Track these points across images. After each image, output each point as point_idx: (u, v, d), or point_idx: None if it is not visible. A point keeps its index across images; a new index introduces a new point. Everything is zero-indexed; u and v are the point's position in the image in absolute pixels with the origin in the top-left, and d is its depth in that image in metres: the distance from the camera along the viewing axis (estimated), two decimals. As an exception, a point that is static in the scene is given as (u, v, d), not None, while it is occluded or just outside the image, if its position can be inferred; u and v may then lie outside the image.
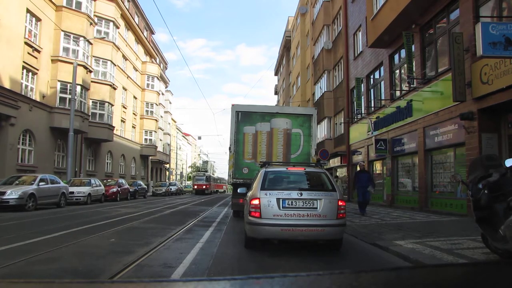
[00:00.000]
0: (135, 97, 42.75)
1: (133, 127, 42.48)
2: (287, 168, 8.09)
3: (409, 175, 17.04)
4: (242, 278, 1.27)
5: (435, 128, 14.09)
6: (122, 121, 38.47)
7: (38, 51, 23.02)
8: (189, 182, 68.80)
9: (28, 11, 21.88)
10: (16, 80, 20.95)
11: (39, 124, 23.17)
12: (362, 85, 21.39)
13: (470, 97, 11.38)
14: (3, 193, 15.02)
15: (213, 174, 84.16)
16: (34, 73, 22.94)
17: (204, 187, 50.43)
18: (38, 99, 23.11)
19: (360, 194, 14.05)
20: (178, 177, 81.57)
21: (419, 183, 15.33)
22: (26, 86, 22.39)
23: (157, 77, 47.48)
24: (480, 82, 10.98)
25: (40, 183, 16.78)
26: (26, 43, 21.70)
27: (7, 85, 19.95)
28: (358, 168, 15.72)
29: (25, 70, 22.04)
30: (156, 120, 47.75)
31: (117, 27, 33.22)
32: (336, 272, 1.27)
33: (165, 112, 58.52)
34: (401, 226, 10.13)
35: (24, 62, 21.63)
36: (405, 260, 6.28)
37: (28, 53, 22.00)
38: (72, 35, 25.22)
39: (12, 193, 15.14)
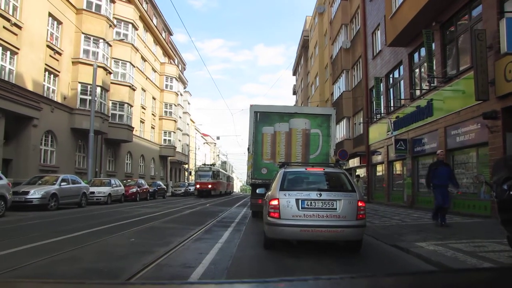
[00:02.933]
0: (154, 98, 43.15)
1: (152, 127, 42.88)
2: (306, 169, 8.04)
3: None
4: (260, 281, 1.26)
5: (456, 127, 13.84)
6: (141, 121, 38.87)
7: (60, 54, 23.43)
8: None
9: (50, 14, 22.29)
10: (38, 82, 21.36)
11: (60, 125, 23.57)
12: (381, 84, 21.16)
13: (494, 96, 11.13)
14: (27, 193, 15.33)
15: (229, 171, 75.36)
16: (55, 75, 23.35)
17: (210, 186, 38.07)
18: (59, 101, 23.51)
19: (439, 196, 10.16)
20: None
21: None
22: (48, 88, 22.80)
23: (175, 78, 47.82)
24: (504, 80, 10.73)
25: (62, 183, 17.07)
26: (48, 46, 22.10)
27: (30, 87, 20.36)
28: (435, 159, 11.68)
29: (47, 72, 22.45)
30: (175, 120, 48.10)
31: (136, 29, 33.57)
32: (358, 275, 1.25)
33: (184, 112, 58.90)
34: (422, 228, 9.97)
35: (46, 64, 22.04)
36: (426, 263, 6.17)
37: (50, 55, 22.40)
38: (92, 37, 25.59)
39: (35, 193, 15.44)
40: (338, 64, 29.97)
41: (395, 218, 12.90)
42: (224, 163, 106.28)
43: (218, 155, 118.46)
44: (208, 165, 44.54)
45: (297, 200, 6.61)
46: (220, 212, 17.00)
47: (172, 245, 7.49)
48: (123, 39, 29.94)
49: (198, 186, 38.40)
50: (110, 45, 27.92)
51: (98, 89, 25.62)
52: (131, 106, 32.73)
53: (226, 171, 63.24)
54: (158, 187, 32.28)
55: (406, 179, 18.50)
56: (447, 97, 14.28)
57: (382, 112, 21.11)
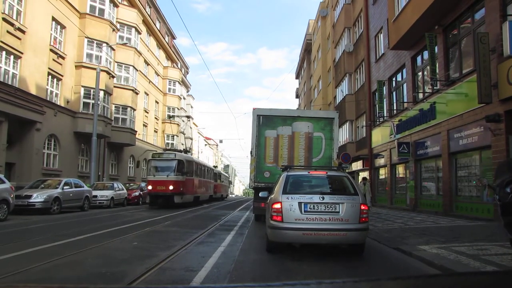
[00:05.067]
0: (156, 102, 43.22)
1: (155, 131, 42.94)
2: (308, 172, 8.05)
3: (432, 179, 16.74)
4: (263, 285, 1.26)
5: (459, 130, 13.81)
6: (144, 125, 38.93)
7: (63, 58, 23.51)
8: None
9: (53, 19, 22.39)
10: (41, 86, 21.43)
11: (63, 129, 23.63)
12: (384, 87, 21.15)
13: (496, 99, 11.11)
14: (29, 197, 15.35)
15: (231, 174, 62.98)
16: (58, 79, 23.42)
17: (172, 188, 21.55)
18: (62, 105, 23.58)
19: None
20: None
21: (443, 186, 15.03)
22: (51, 92, 22.87)
23: (178, 82, 47.90)
24: (507, 83, 10.71)
25: (65, 187, 17.09)
26: (51, 50, 22.19)
27: (33, 91, 20.44)
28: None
29: (50, 76, 22.52)
30: (177, 124, 48.19)
31: (139, 33, 33.67)
32: (361, 279, 1.25)
33: (187, 116, 58.93)
34: (425, 231, 9.94)
35: (49, 68, 22.12)
36: (429, 266, 6.15)
37: (53, 59, 22.49)
38: (95, 41, 25.67)
39: (37, 197, 15.46)
40: (341, 68, 29.98)
41: (398, 221, 12.86)
42: (227, 166, 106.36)
43: (221, 158, 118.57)
44: (173, 150, 26.56)
45: (299, 203, 6.61)
46: (222, 215, 17.00)
47: (174, 249, 7.49)
48: (126, 43, 30.02)
49: (150, 187, 21.94)
50: (113, 49, 27.99)
51: (101, 93, 25.69)
52: (134, 109, 32.78)
53: (216, 168, 44.51)
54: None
55: (409, 182, 18.45)
56: (450, 100, 14.25)
57: (385, 115, 21.09)
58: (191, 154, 34.59)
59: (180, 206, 22.00)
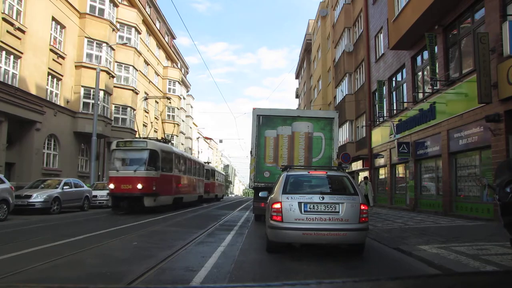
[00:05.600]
0: (156, 102, 43.23)
1: (155, 131, 42.94)
2: (308, 172, 8.05)
3: (432, 179, 16.74)
4: (263, 285, 1.26)
5: (459, 130, 13.81)
6: (144, 125, 38.93)
7: (63, 58, 23.51)
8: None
9: (53, 19, 22.39)
10: (41, 86, 21.43)
11: (63, 128, 23.62)
12: (384, 87, 21.14)
13: (496, 99, 11.12)
14: (29, 197, 15.35)
15: (231, 174, 58.94)
16: (58, 79, 23.42)
17: (140, 187, 16.78)
18: (62, 105, 23.57)
19: None
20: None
21: (443, 186, 15.03)
22: (51, 92, 22.87)
23: (178, 82, 47.92)
24: (507, 83, 10.71)
25: (65, 187, 17.09)
26: (51, 50, 22.19)
27: (33, 91, 20.44)
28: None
29: (50, 76, 22.52)
30: (177, 124, 48.18)
31: (139, 33, 33.67)
32: (361, 279, 1.25)
33: (187, 116, 58.98)
34: (425, 231, 9.94)
35: (49, 68, 22.11)
36: (429, 266, 6.15)
37: (53, 59, 22.49)
38: (95, 41, 25.68)
39: (37, 197, 15.46)
40: (341, 68, 29.98)
41: (398, 221, 12.86)
42: (227, 166, 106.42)
43: (221, 158, 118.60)
44: (143, 138, 20.57)
45: (299, 203, 6.61)
46: (222, 215, 17.00)
47: (174, 249, 7.49)
48: (126, 43, 30.02)
49: (112, 185, 17.18)
50: (113, 49, 27.99)
51: (101, 93, 25.68)
52: (134, 109, 32.79)
53: (209, 164, 39.23)
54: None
55: (409, 182, 18.46)
56: (450, 100, 14.26)
57: (385, 115, 21.09)
58: (175, 146, 30.65)
59: (152, 211, 16.96)
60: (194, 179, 25.03)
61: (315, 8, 46.87)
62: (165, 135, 26.63)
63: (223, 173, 50.98)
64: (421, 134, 16.94)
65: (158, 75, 43.74)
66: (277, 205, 6.67)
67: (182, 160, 22.31)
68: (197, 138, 72.95)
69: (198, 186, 26.38)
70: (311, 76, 48.18)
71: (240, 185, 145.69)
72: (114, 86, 29.04)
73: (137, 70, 33.38)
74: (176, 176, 20.45)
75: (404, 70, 19.20)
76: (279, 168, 11.45)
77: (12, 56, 19.11)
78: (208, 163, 37.86)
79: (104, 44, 26.03)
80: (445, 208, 14.62)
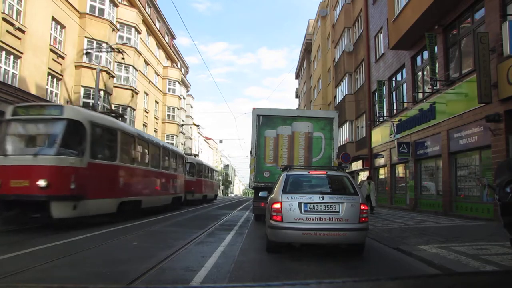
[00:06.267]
0: (156, 102, 43.23)
1: (155, 131, 42.93)
2: (308, 172, 8.05)
3: (432, 179, 16.75)
4: (263, 285, 1.26)
5: (459, 130, 13.82)
6: (144, 125, 38.92)
7: (63, 58, 23.50)
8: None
9: (53, 19, 22.38)
10: (41, 86, 21.42)
11: (63, 128, 23.55)
12: (384, 87, 21.15)
13: (496, 99, 11.12)
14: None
15: (230, 173, 56.18)
16: (58, 79, 23.41)
17: (42, 183, 9.46)
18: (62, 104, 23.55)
19: None
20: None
21: (443, 186, 15.04)
22: (51, 92, 22.85)
23: (178, 82, 47.92)
24: (507, 83, 10.72)
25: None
26: (51, 50, 22.17)
27: (33, 91, 20.42)
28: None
29: (50, 76, 22.51)
30: (177, 124, 48.17)
31: (139, 33, 33.66)
32: (361, 279, 1.25)
33: (187, 116, 58.98)
34: (425, 231, 9.95)
35: (49, 68, 22.10)
36: (429, 266, 6.15)
37: (53, 59, 22.47)
38: (95, 41, 25.68)
39: (37, 197, 15.20)
40: (340, 68, 29.98)
41: (398, 221, 12.86)
42: (227, 166, 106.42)
43: (221, 158, 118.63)
44: (54, 105, 16.54)
45: (299, 203, 6.61)
46: (222, 215, 17.00)
47: (174, 249, 7.48)
48: (126, 43, 30.02)
49: None
50: (113, 50, 27.98)
51: (101, 93, 25.68)
52: (134, 109, 32.77)
53: (197, 156, 33.03)
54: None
55: (409, 182, 18.46)
56: (449, 100, 14.26)
57: (385, 115, 21.11)
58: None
59: (72, 225, 10.72)
60: (165, 173, 18.33)
61: (315, 8, 46.83)
62: (113, 106, 19.25)
63: (216, 169, 44.61)
64: (421, 134, 16.95)
65: (158, 75, 43.74)
66: (277, 205, 6.67)
67: (140, 144, 15.18)
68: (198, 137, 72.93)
69: (172, 184, 19.80)
70: (311, 76, 48.18)
71: (240, 185, 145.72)
72: (114, 86, 29.04)
73: (137, 70, 33.39)
74: (125, 167, 13.28)
75: (404, 70, 19.21)
76: (279, 168, 11.45)
77: (12, 56, 19.10)
78: (196, 155, 32.80)
79: (104, 44, 26.02)
80: (445, 208, 14.62)
